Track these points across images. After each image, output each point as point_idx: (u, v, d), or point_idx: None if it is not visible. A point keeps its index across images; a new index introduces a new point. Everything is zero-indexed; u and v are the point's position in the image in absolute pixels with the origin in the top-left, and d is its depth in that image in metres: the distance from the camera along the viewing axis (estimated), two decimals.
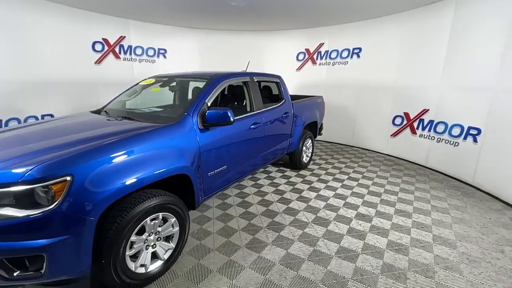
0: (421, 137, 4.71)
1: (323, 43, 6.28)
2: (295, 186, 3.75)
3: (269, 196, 3.43)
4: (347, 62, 5.96)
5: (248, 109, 3.00)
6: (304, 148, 4.34)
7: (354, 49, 5.79)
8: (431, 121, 4.52)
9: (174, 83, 3.04)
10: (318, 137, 5.42)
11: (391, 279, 2.01)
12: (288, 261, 2.20)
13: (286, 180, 3.97)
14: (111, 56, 5.51)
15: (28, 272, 1.40)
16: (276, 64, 6.81)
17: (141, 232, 1.80)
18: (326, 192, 3.57)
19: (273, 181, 3.94)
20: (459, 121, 4.03)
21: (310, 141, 4.53)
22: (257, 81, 3.21)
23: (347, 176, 4.18)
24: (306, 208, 3.11)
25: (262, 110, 3.11)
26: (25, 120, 4.26)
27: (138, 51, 5.94)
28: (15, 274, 1.39)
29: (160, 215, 1.88)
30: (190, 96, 3.03)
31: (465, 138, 3.94)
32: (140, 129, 1.94)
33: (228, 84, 2.71)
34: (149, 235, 1.87)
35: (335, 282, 1.98)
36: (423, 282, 1.99)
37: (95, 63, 5.30)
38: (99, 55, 5.32)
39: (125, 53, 5.72)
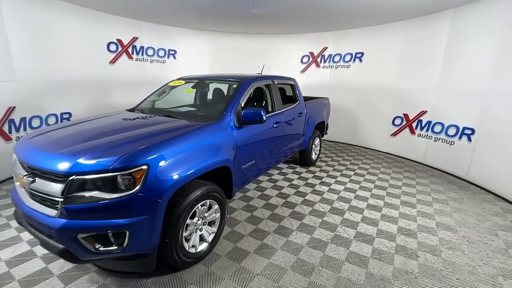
0: (420, 136, 5.10)
1: (327, 47, 6.62)
2: (307, 181, 4.05)
3: (285, 189, 3.71)
4: (350, 65, 6.32)
5: (270, 109, 3.28)
6: (313, 146, 4.65)
7: (356, 53, 6.15)
8: (429, 122, 4.91)
9: (204, 85, 3.28)
10: (323, 137, 5.74)
11: (405, 257, 2.33)
12: (314, 244, 2.49)
13: (298, 176, 4.27)
14: (124, 56, 5.68)
15: (111, 247, 1.64)
16: (282, 66, 7.10)
17: (192, 216, 2.05)
18: (336, 186, 3.89)
19: (286, 176, 4.23)
20: (455, 122, 4.43)
21: (318, 139, 4.85)
22: (277, 83, 3.49)
23: (353, 172, 4.52)
24: (321, 201, 3.41)
25: (282, 110, 3.40)
26: (46, 118, 4.40)
27: (150, 52, 6.13)
28: (100, 248, 1.62)
29: (208, 201, 2.14)
30: (211, 97, 3.29)
31: (460, 137, 4.34)
32: (190, 126, 2.19)
33: (256, 86, 2.98)
34: (198, 220, 2.12)
35: (358, 260, 2.28)
36: (432, 259, 2.32)
37: (110, 63, 5.46)
38: (113, 55, 5.49)
39: (137, 53, 5.90)
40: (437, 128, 4.75)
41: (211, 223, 2.29)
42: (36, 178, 1.69)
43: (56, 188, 1.58)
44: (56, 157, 1.65)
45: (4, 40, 3.65)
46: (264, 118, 2.49)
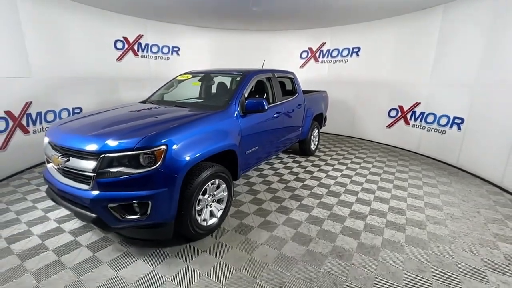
0: (414, 127, 5.35)
1: (325, 43, 6.84)
2: (306, 169, 4.32)
3: (286, 176, 3.98)
4: (347, 60, 6.55)
5: (271, 100, 3.53)
6: (312, 137, 4.90)
7: (353, 48, 6.38)
8: (422, 113, 5.16)
9: (210, 78, 3.54)
10: (322, 129, 6.00)
11: (394, 230, 2.60)
12: (312, 220, 2.76)
13: (298, 164, 4.53)
14: (130, 53, 5.92)
15: (136, 216, 1.91)
16: (281, 62, 7.31)
17: (203, 193, 2.32)
18: (334, 173, 4.15)
19: (286, 165, 4.50)
20: (446, 112, 4.68)
21: (316, 131, 5.11)
22: (277, 77, 3.74)
23: (350, 161, 4.78)
24: (319, 185, 3.68)
25: (282, 102, 3.65)
26: (60, 113, 4.66)
27: (154, 49, 6.37)
28: (127, 216, 1.89)
29: (217, 181, 2.41)
30: (215, 90, 3.54)
31: (451, 126, 4.59)
32: (200, 113, 2.45)
33: (258, 79, 3.23)
34: (208, 197, 2.39)
35: (351, 233, 2.56)
36: (418, 231, 2.59)
37: (117, 60, 5.71)
38: (120, 52, 5.73)
39: (142, 50, 6.15)
40: (430, 119, 4.99)
41: (219, 201, 2.56)
42: (70, 157, 1.95)
43: (89, 165, 1.85)
44: (88, 139, 1.92)
45: (20, 38, 3.90)
46: (266, 107, 2.75)
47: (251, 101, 2.75)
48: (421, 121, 5.19)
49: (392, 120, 5.82)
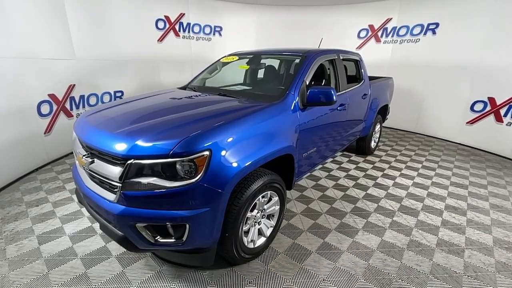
0: (510, 125, 4.19)
1: (391, 18, 5.71)
2: (366, 172, 3.59)
3: (342, 181, 3.32)
4: (419, 39, 5.38)
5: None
6: (373, 132, 4.10)
7: (429, 24, 5.18)
8: None
9: (260, 60, 2.95)
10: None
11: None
12: (387, 249, 2.12)
13: (355, 166, 3.81)
14: (171, 34, 5.57)
15: (170, 239, 1.49)
16: (333, 42, 6.31)
17: (252, 209, 1.82)
18: (402, 181, 3.37)
19: (341, 165, 3.81)
20: None
21: (379, 125, 4.27)
22: (342, 59, 3.00)
23: (420, 165, 3.90)
24: (387, 197, 2.96)
25: (347, 91, 2.94)
26: (102, 96, 4.53)
27: (196, 29, 5.93)
28: (159, 239, 1.48)
29: (269, 193, 1.89)
30: (266, 75, 2.94)
31: None
32: (251, 107, 1.91)
33: (321, 61, 2.55)
34: (257, 212, 1.89)
35: (447, 275, 1.87)
36: None
37: (158, 41, 5.40)
38: (161, 33, 5.41)
39: (184, 30, 5.75)
40: None
41: (269, 216, 2.05)
42: (95, 159, 1.58)
43: (115, 171, 1.44)
44: (114, 137, 1.51)
45: (64, 19, 3.71)
46: (335, 98, 2.10)
47: (314, 90, 2.12)
48: None
49: (476, 115, 4.67)
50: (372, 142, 4.19)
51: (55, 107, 3.71)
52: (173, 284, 1.74)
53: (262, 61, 2.93)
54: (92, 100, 4.38)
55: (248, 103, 2.03)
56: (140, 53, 5.10)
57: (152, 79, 5.43)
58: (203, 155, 1.41)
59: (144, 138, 1.44)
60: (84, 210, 2.56)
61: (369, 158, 4.14)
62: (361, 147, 4.09)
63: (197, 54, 6.05)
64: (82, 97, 4.17)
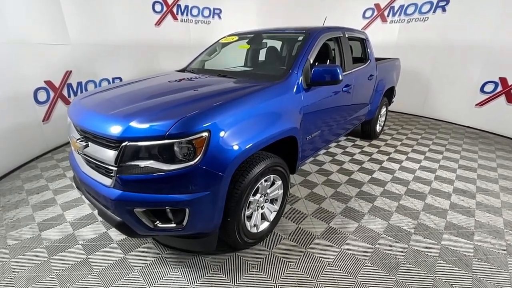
0: None
1: None
2: (372, 156, 3.50)
3: (347, 165, 3.24)
4: (427, 18, 5.13)
5: None
6: (379, 116, 3.97)
7: (439, 1, 4.92)
8: None
9: (262, 40, 2.80)
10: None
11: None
12: (394, 233, 2.06)
13: (360, 150, 3.72)
14: (169, 17, 5.37)
15: (170, 224, 1.44)
16: (337, 24, 6.13)
17: (255, 193, 1.76)
18: (409, 164, 3.28)
19: (345, 149, 3.72)
20: None
21: (385, 108, 4.14)
22: (348, 37, 2.85)
23: (427, 148, 3.80)
24: (393, 180, 2.89)
25: (352, 71, 2.80)
26: (100, 83, 4.42)
27: (194, 12, 5.72)
28: (159, 224, 1.43)
29: (272, 176, 1.82)
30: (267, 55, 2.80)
31: None
32: (252, 86, 1.80)
33: (325, 39, 2.41)
34: (260, 197, 1.83)
35: (456, 258, 1.81)
36: None
37: (155, 24, 5.22)
38: (158, 16, 5.21)
39: (182, 13, 5.54)
40: None
41: (273, 201, 1.99)
42: (89, 142, 1.51)
43: (109, 155, 1.37)
44: (107, 119, 1.43)
45: (57, 2, 3.55)
46: (340, 77, 1.98)
47: (319, 69, 2.00)
48: None
49: (486, 96, 4.50)
50: (378, 126, 4.07)
51: (52, 94, 3.63)
52: (175, 270, 1.71)
53: (264, 41, 2.78)
54: (90, 87, 4.27)
55: (249, 83, 1.93)
56: (137, 38, 4.93)
57: (150, 65, 5.28)
58: (202, 136, 1.33)
59: (138, 119, 1.36)
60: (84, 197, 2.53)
61: (374, 142, 4.04)
62: (366, 131, 3.98)
63: (196, 38, 5.85)
64: (79, 84, 4.07)
